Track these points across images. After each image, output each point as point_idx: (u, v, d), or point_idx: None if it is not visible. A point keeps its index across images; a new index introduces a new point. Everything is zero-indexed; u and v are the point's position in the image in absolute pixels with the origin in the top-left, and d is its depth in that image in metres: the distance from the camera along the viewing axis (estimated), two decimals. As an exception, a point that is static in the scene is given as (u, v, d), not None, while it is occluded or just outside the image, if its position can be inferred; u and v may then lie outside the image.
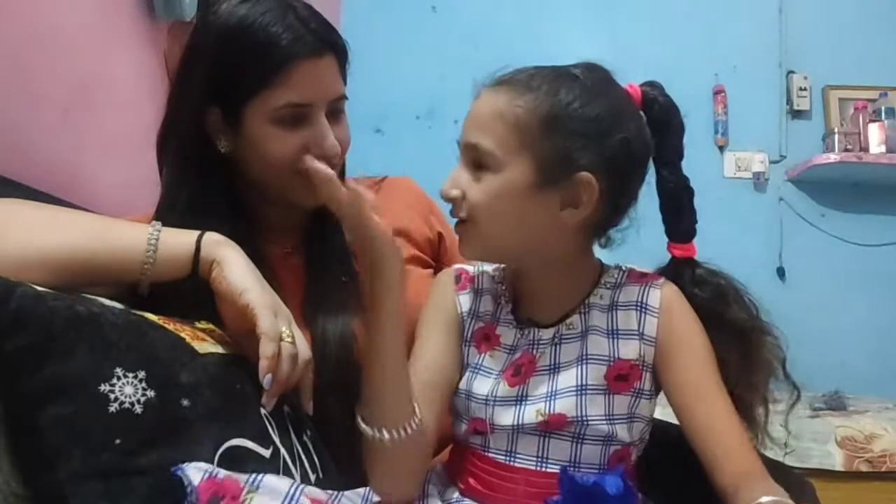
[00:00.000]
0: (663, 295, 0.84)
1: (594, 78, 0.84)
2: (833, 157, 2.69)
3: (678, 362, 0.82)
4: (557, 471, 0.79)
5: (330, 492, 0.74)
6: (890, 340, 2.72)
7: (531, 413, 0.82)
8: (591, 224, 0.84)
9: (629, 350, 0.83)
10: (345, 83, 1.02)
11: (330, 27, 0.99)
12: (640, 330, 0.84)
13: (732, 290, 0.88)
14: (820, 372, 2.59)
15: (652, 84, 0.89)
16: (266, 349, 0.78)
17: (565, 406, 0.81)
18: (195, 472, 0.63)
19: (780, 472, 0.94)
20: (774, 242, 2.84)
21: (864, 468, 1.99)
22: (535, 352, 0.85)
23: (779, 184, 2.89)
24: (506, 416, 0.83)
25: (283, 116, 0.94)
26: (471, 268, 0.95)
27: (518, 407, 0.83)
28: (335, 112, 1.00)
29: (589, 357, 0.83)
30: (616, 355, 0.83)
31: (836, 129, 2.77)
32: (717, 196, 2.80)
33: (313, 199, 1.01)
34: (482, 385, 0.85)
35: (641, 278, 0.87)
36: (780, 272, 2.81)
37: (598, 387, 0.82)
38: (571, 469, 0.80)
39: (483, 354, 0.87)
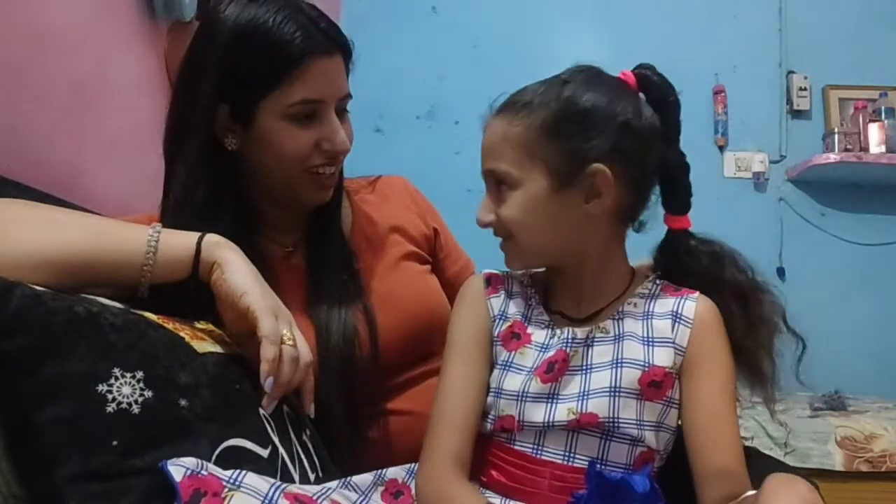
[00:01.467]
0: (698, 308, 0.87)
1: (581, 77, 0.88)
2: (833, 157, 2.69)
3: (700, 375, 0.84)
4: (584, 465, 0.81)
5: (317, 486, 0.74)
6: (890, 340, 2.72)
7: (563, 411, 0.82)
8: (621, 210, 0.87)
9: (664, 358, 0.84)
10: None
11: (337, 27, 1.00)
12: (674, 339, 0.85)
13: (728, 254, 0.91)
14: (820, 372, 2.58)
15: (644, 66, 0.91)
16: (267, 352, 0.78)
17: (598, 406, 0.82)
18: (177, 470, 0.64)
19: (779, 471, 0.94)
20: (774, 242, 2.84)
21: (864, 468, 1.99)
22: (569, 349, 0.85)
23: (779, 184, 2.89)
24: (536, 413, 0.83)
25: (296, 113, 0.95)
26: (498, 271, 0.96)
27: (549, 404, 0.83)
28: (341, 111, 1.01)
29: (624, 361, 0.84)
30: (651, 361, 0.84)
31: (836, 129, 2.77)
32: (717, 196, 2.80)
33: (320, 197, 1.03)
34: (513, 381, 0.86)
35: (677, 291, 0.89)
36: (780, 272, 2.81)
37: (631, 391, 0.83)
38: (599, 465, 0.81)
39: (513, 352, 0.88)
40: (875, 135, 2.69)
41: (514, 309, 0.92)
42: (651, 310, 0.88)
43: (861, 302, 2.76)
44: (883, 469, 1.99)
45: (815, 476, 1.69)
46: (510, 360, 0.88)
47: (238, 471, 0.67)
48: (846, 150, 2.71)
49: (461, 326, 0.92)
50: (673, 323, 0.86)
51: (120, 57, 1.41)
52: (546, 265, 0.94)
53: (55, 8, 1.19)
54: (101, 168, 1.33)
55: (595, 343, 0.86)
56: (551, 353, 0.86)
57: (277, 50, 0.93)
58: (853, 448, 2.00)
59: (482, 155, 0.89)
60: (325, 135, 0.98)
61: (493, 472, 0.85)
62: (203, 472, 0.64)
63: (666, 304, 0.88)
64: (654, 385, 0.83)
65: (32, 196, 1.00)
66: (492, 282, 0.94)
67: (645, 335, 0.86)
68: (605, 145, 0.83)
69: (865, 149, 2.70)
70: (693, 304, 0.87)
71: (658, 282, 0.91)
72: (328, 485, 0.79)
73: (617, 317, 0.88)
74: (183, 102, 0.99)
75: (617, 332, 0.86)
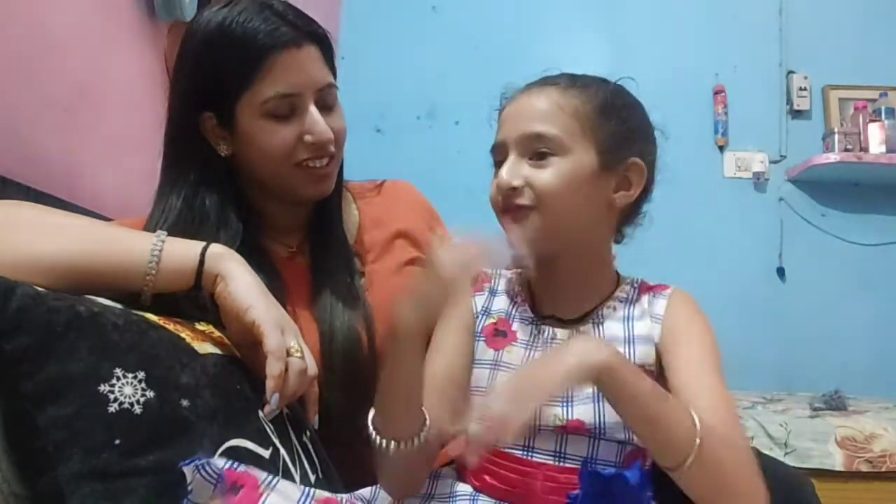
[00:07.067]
0: (669, 303, 0.87)
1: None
2: (833, 157, 2.68)
3: (675, 349, 0.83)
4: (575, 466, 0.80)
5: (340, 495, 0.74)
6: (890, 340, 2.72)
7: (548, 415, 0.82)
8: (629, 210, 0.89)
9: (642, 353, 0.84)
10: (334, 74, 1.03)
11: (308, 18, 1.00)
12: (651, 335, 0.85)
13: None
14: (820, 372, 2.59)
15: None
16: (273, 369, 0.77)
17: (583, 413, 0.81)
18: (219, 461, 0.64)
19: (779, 470, 0.95)
20: (774, 242, 2.84)
21: (864, 468, 1.99)
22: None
23: (779, 184, 2.89)
24: None
25: (272, 109, 0.95)
26: (488, 270, 0.95)
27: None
28: (325, 101, 1.00)
29: None
30: (633, 361, 0.83)
31: (836, 129, 2.76)
32: (717, 196, 2.80)
33: (317, 190, 1.02)
34: (503, 380, 0.85)
35: (650, 289, 0.89)
36: (780, 272, 2.81)
37: None
38: (591, 464, 0.80)
39: (500, 351, 0.87)
40: (875, 135, 2.69)
41: (497, 305, 0.91)
42: (631, 314, 0.87)
43: (861, 302, 2.76)
44: (883, 469, 1.98)
45: (814, 476, 1.70)
46: (498, 358, 0.86)
47: (271, 475, 0.66)
48: (846, 150, 2.70)
49: (446, 319, 0.89)
50: (650, 321, 0.86)
51: (120, 57, 1.41)
52: (549, 252, 0.88)
53: (55, 8, 1.19)
54: (101, 168, 1.33)
55: None
56: (534, 352, 0.85)
57: (242, 50, 0.94)
58: (853, 448, 2.00)
59: (520, 118, 0.86)
60: (305, 128, 0.97)
61: (487, 477, 0.84)
62: (239, 468, 0.64)
63: (642, 303, 0.88)
64: None
65: (33, 196, 1.01)
66: (478, 280, 0.94)
67: (626, 336, 0.86)
68: (642, 143, 0.87)
69: (865, 149, 2.70)
70: (664, 301, 0.87)
71: (636, 284, 0.91)
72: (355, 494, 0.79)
73: (596, 320, 0.87)
74: (170, 112, 1.00)
75: (597, 335, 0.86)
